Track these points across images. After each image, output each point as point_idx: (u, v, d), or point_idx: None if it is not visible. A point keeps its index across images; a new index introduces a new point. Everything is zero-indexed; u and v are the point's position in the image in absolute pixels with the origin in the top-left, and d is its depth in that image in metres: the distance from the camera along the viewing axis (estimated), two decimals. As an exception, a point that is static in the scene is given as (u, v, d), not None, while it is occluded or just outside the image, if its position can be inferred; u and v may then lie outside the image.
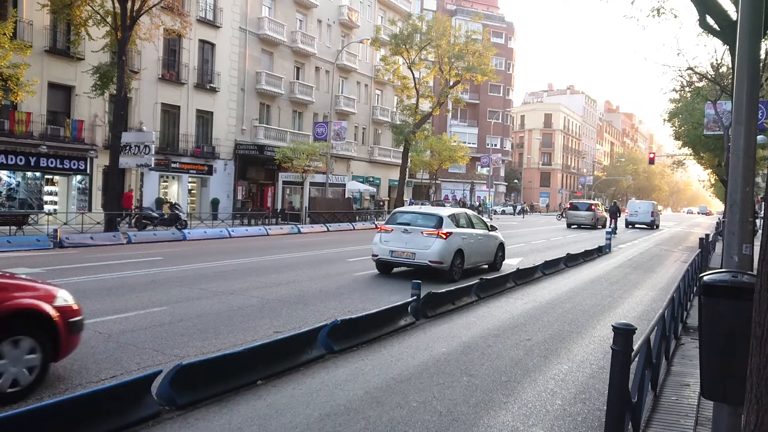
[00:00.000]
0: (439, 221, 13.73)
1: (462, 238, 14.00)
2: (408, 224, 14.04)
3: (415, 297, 9.17)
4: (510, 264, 16.73)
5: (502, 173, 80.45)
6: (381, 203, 50.77)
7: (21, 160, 26.59)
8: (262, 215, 33.73)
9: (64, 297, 5.89)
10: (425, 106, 48.06)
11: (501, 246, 16.39)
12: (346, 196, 42.82)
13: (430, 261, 13.32)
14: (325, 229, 31.09)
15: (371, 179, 52.04)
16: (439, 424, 5.17)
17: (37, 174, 27.81)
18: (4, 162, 26.05)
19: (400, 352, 7.51)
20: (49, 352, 5.60)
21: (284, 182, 40.84)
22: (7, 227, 20.76)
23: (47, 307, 5.58)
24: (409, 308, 9.09)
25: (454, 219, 14.38)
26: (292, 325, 8.67)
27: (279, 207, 38.83)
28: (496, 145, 74.99)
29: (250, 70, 39.02)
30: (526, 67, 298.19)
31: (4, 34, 19.25)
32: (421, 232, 13.53)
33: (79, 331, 6.03)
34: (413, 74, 43.62)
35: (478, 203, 62.56)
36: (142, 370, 6.20)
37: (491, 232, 16.01)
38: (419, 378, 6.44)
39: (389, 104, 53.92)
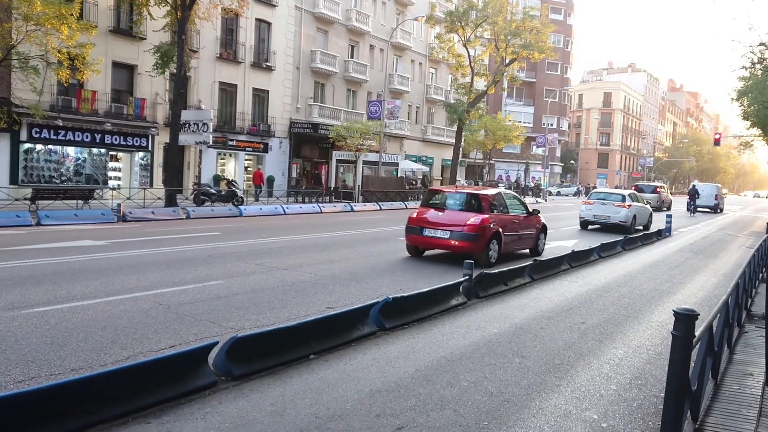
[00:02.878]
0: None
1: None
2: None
3: (467, 277, 9.11)
4: (564, 246, 16.41)
5: (558, 153, 78.74)
6: (428, 182, 50.41)
7: (87, 137, 27.64)
8: (315, 193, 34.10)
9: None
10: (480, 84, 47.33)
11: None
12: (400, 176, 42.78)
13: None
14: (378, 208, 31.21)
15: (424, 158, 51.81)
16: (490, 404, 5.15)
17: (102, 150, 28.86)
18: (72, 139, 27.13)
19: (451, 331, 7.50)
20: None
21: (338, 160, 41.06)
22: (75, 201, 21.68)
23: None
24: (461, 288, 9.05)
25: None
26: (345, 301, 8.76)
27: (332, 185, 39.16)
28: (552, 125, 73.39)
29: (305, 48, 39.22)
30: (586, 45, 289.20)
31: (72, 14, 19.88)
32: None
33: None
34: (468, 52, 42.96)
35: (532, 184, 61.52)
36: (200, 341, 6.39)
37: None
38: (470, 358, 6.42)
39: (443, 83, 53.33)
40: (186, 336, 6.68)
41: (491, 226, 12.92)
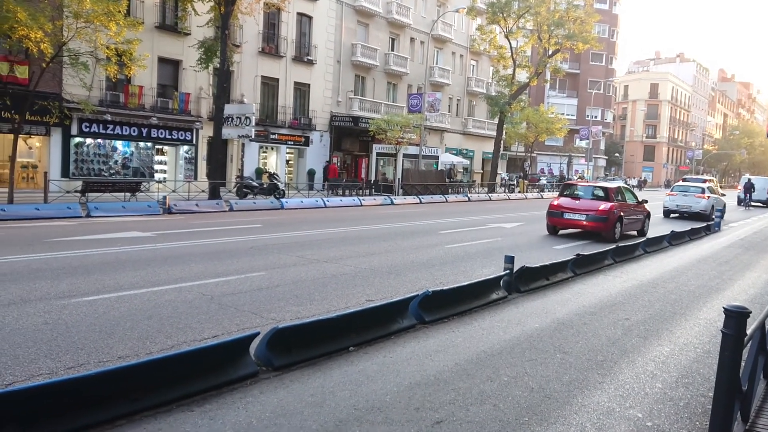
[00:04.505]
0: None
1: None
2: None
3: (507, 271, 9.01)
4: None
5: (602, 146, 77.10)
6: (453, 175, 49.89)
7: (134, 131, 28.34)
8: (356, 186, 34.22)
9: None
10: (522, 76, 46.68)
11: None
12: (440, 169, 42.59)
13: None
14: (418, 201, 31.15)
15: (465, 152, 51.43)
16: (531, 400, 5.09)
17: (149, 144, 29.55)
18: (120, 133, 27.86)
19: (492, 325, 7.43)
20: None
21: (378, 154, 41.12)
22: (122, 194, 22.27)
23: None
24: (501, 282, 8.96)
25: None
26: (384, 294, 8.77)
27: (372, 178, 39.24)
28: (596, 117, 71.81)
29: (346, 42, 39.32)
30: (632, 35, 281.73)
31: (119, 11, 20.35)
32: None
33: None
34: (510, 43, 42.38)
35: (576, 177, 60.40)
36: (241, 331, 6.49)
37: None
38: (510, 353, 6.35)
39: (484, 75, 52.76)
40: (228, 326, 6.79)
41: (615, 211, 16.73)
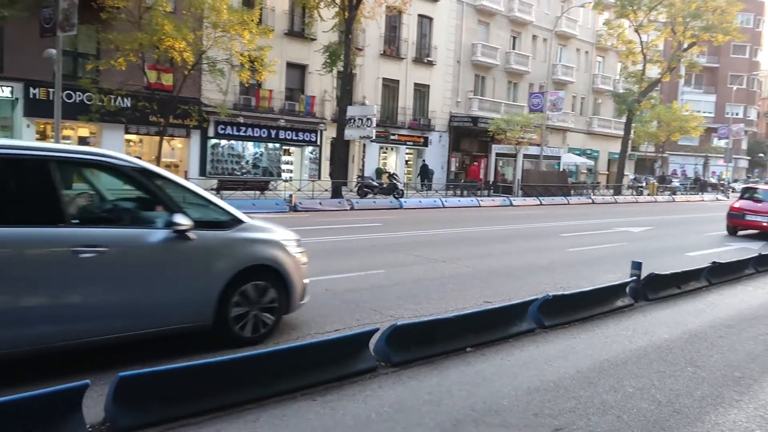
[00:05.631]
0: None
1: None
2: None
3: (634, 277, 8.59)
4: (750, 248, 14.84)
5: (744, 146, 70.91)
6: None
7: (264, 133, 29.99)
8: (474, 187, 33.98)
9: None
10: (653, 72, 44.04)
11: None
12: (562, 170, 41.25)
13: None
14: (538, 203, 30.40)
15: (589, 152, 49.41)
16: (658, 414, 4.84)
17: (277, 145, 31.12)
18: (251, 134, 29.60)
19: (616, 333, 7.13)
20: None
21: (497, 154, 40.58)
22: (252, 192, 23.66)
23: None
24: (627, 289, 8.56)
25: None
26: (502, 296, 8.68)
27: (491, 179, 38.79)
28: (737, 114, 66.27)
29: (466, 42, 39.12)
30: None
31: (252, 20, 21.65)
32: None
33: None
34: (640, 38, 40.13)
35: (713, 179, 56.12)
36: (362, 326, 6.69)
37: None
38: (636, 363, 6.07)
39: (611, 71, 50.35)
40: (349, 321, 7.03)
41: None
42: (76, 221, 5.04)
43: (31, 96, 22.96)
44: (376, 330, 5.65)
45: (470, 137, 40.04)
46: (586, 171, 49.14)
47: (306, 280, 6.58)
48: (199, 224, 5.44)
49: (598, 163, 50.97)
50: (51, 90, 20.47)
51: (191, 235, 5.35)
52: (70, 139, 24.99)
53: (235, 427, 4.23)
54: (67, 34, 18.63)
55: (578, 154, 46.82)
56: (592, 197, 36.11)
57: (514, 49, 42.49)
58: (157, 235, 5.28)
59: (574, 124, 47.00)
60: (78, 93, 23.11)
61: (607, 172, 51.13)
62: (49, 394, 3.78)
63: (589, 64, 49.03)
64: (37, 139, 23.79)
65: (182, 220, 5.27)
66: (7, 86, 22.67)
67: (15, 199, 4.83)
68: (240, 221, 5.93)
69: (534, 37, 43.77)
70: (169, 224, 5.29)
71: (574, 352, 6.32)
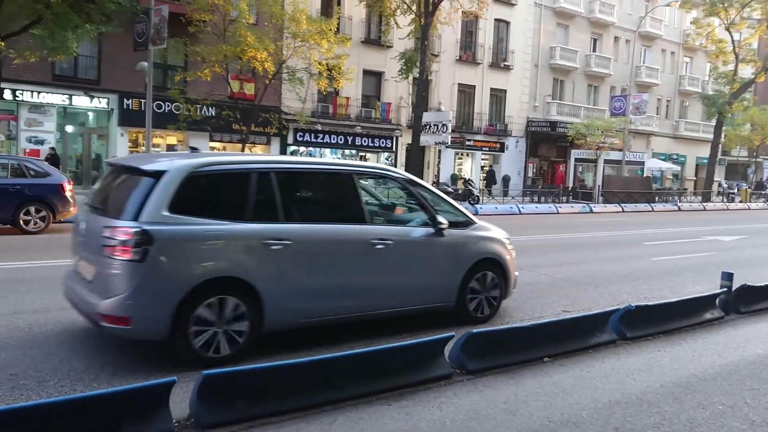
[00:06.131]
0: None
1: None
2: None
3: (725, 289, 8.16)
4: None
5: None
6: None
7: (341, 140, 30.53)
8: (552, 193, 33.24)
9: None
10: (746, 72, 41.67)
11: None
12: (645, 176, 39.69)
13: None
14: (620, 210, 29.38)
15: (675, 157, 47.27)
16: (751, 434, 4.58)
17: (353, 151, 31.61)
18: (328, 141, 30.22)
19: (704, 347, 6.78)
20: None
21: (576, 159, 39.56)
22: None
23: None
24: (717, 301, 8.13)
25: None
26: (581, 305, 8.45)
27: (570, 185, 37.85)
28: (843, 115, 61.55)
29: (544, 45, 38.40)
30: None
31: (330, 30, 22.13)
32: None
33: None
34: (732, 36, 38.10)
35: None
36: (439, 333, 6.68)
37: None
38: (727, 379, 5.75)
39: (699, 72, 48.03)
40: (423, 325, 7.03)
41: None
42: (370, 220, 6.45)
43: (124, 107, 24.39)
44: (452, 337, 5.62)
45: (548, 142, 39.22)
46: (671, 177, 47.06)
47: (516, 272, 7.77)
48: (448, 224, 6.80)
49: (685, 169, 48.68)
50: (143, 101, 21.71)
51: (445, 232, 6.71)
52: (159, 147, 26.35)
53: (313, 428, 4.32)
54: (157, 48, 19.73)
55: (663, 159, 44.88)
56: (679, 204, 34.54)
57: (594, 51, 41.32)
58: (422, 231, 6.69)
59: (658, 128, 45.12)
60: (167, 103, 24.35)
61: (695, 177, 48.76)
62: (139, 389, 4.02)
63: (675, 65, 46.97)
64: (130, 148, 25.25)
65: (443, 220, 6.69)
66: (104, 98, 24.19)
67: (334, 203, 6.49)
68: (473, 222, 7.35)
69: (616, 38, 42.41)
70: (429, 223, 6.70)
71: (659, 366, 6.07)
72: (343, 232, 6.12)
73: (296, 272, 5.70)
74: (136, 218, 5.02)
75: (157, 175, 5.21)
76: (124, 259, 4.99)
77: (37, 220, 13.20)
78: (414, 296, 6.67)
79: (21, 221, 13.01)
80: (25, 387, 4.78)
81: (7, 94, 19.64)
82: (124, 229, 4.99)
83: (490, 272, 7.25)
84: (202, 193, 5.50)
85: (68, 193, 13.65)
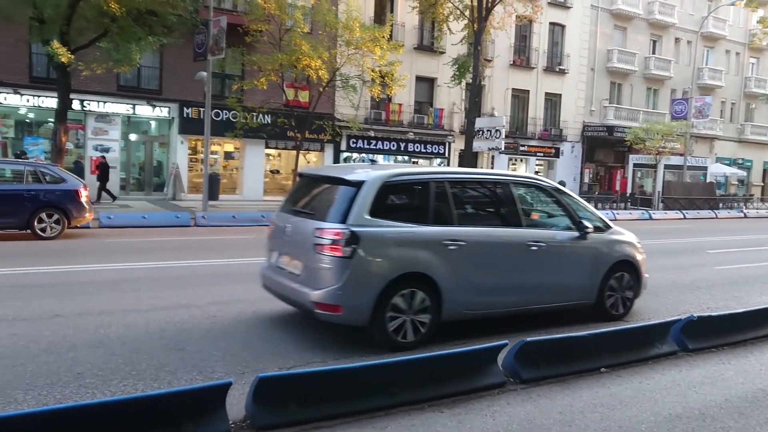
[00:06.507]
0: None
1: None
2: None
3: (795, 300, 7.78)
4: None
5: None
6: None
7: (393, 146, 30.64)
8: (609, 199, 32.42)
9: None
10: (819, 72, 39.72)
11: None
12: (708, 181, 38.27)
13: None
14: (681, 217, 28.43)
15: (740, 161, 45.39)
16: (824, 454, 4.35)
17: (405, 158, 31.65)
18: (380, 147, 30.37)
19: (773, 361, 6.48)
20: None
21: (635, 165, 38.49)
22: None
23: None
24: (786, 312, 7.76)
25: None
26: (641, 315, 8.19)
27: (629, 191, 36.85)
28: None
29: (601, 48, 37.58)
30: None
31: (383, 37, 22.26)
32: None
33: None
34: (803, 35, 36.39)
35: None
36: (496, 340, 6.61)
37: None
38: (797, 395, 5.48)
39: (767, 74, 45.99)
40: (484, 333, 6.96)
41: None
42: (525, 224, 7.10)
43: (184, 115, 25.17)
44: (505, 344, 5.56)
45: (605, 147, 38.31)
46: (737, 182, 45.19)
47: (647, 275, 8.23)
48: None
49: (752, 174, 46.64)
50: (201, 109, 22.37)
51: (587, 236, 7.36)
52: (216, 154, 27.07)
53: (365, 433, 4.35)
54: (216, 58, 20.29)
55: (728, 164, 43.17)
56: (744, 211, 33.16)
57: (654, 53, 40.16)
58: (568, 235, 7.35)
59: (722, 131, 43.41)
60: (224, 111, 24.99)
61: (762, 183, 46.69)
62: (198, 390, 4.20)
63: (740, 66, 45.16)
64: (189, 155, 26.01)
65: (588, 224, 7.37)
66: (165, 107, 25.02)
67: (496, 209, 7.34)
68: (610, 226, 7.89)
69: (677, 39, 41.11)
70: (574, 227, 7.36)
71: (723, 379, 5.83)
72: (505, 234, 6.86)
73: (468, 270, 6.47)
74: (343, 221, 5.90)
75: (358, 184, 6.07)
76: (335, 255, 5.85)
77: (53, 225, 13.07)
78: (561, 294, 7.35)
79: (36, 227, 12.90)
80: (91, 385, 4.99)
81: (76, 105, 20.57)
82: (334, 230, 5.86)
83: (626, 273, 7.79)
84: (393, 199, 6.49)
85: (84, 199, 13.52)
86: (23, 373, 5.16)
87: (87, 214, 13.75)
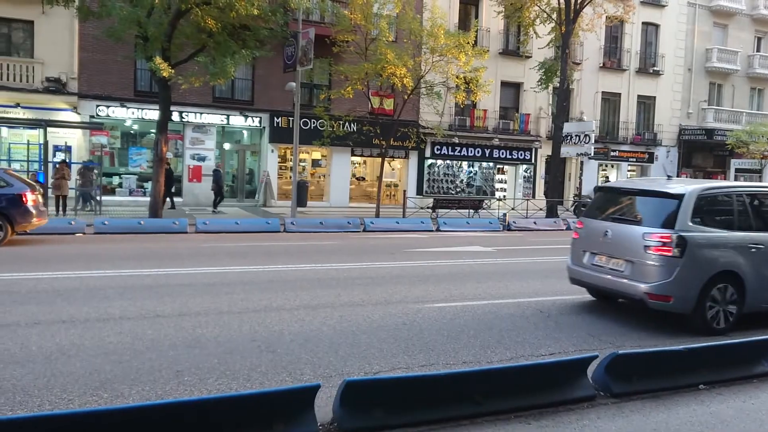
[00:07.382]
0: None
1: None
2: None
3: None
4: None
5: None
6: None
7: (478, 152, 30.36)
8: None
9: None
10: None
11: None
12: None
13: None
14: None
15: None
16: None
17: (490, 164, 31.29)
18: (465, 154, 30.17)
19: None
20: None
21: (737, 170, 36.24)
22: (466, 210, 24.04)
23: None
24: None
25: None
26: (744, 331, 7.72)
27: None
28: None
29: (699, 47, 35.65)
30: None
31: (468, 43, 22.15)
32: None
33: None
34: None
35: None
36: (579, 352, 6.45)
37: None
38: None
39: None
40: (566, 345, 6.81)
41: None
42: None
43: (274, 124, 26.06)
44: (595, 357, 5.40)
45: (704, 151, 36.30)
46: None
47: None
48: None
49: None
50: (290, 118, 23.11)
51: None
52: (305, 162, 27.82)
53: (450, 441, 4.35)
54: (304, 68, 20.91)
55: None
56: None
57: (758, 51, 37.66)
58: None
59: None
60: (312, 120, 25.67)
61: None
62: (289, 391, 4.34)
63: None
64: (279, 163, 26.90)
65: None
66: (257, 117, 26.02)
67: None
68: None
69: (785, 35, 38.42)
70: None
71: (839, 402, 5.40)
72: None
73: (765, 269, 7.63)
74: (672, 227, 7.25)
75: (679, 197, 7.41)
76: (667, 255, 7.20)
77: None
78: None
79: None
80: (189, 383, 5.27)
81: (175, 116, 21.78)
82: (666, 235, 7.23)
83: None
84: (706, 209, 7.60)
85: (30, 204, 12.57)
86: (128, 369, 5.53)
87: (34, 220, 12.78)
